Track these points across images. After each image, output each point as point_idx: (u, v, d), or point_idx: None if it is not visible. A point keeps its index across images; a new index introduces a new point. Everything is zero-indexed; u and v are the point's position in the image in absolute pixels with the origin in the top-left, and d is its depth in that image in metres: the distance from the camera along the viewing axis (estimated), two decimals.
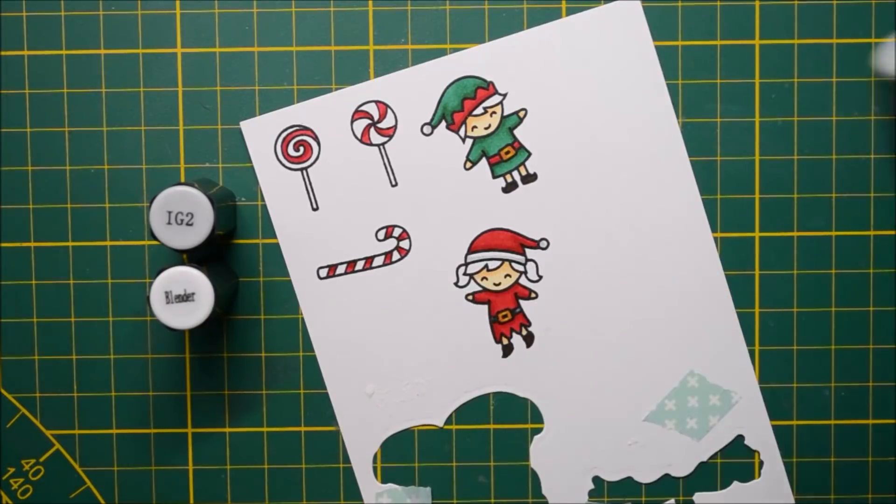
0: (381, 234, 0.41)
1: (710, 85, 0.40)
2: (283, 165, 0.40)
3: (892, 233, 0.41)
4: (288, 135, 0.40)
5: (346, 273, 0.41)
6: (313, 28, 0.40)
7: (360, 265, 0.41)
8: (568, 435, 0.41)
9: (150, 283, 0.36)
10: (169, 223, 0.36)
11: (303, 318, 0.41)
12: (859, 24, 0.40)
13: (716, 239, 0.41)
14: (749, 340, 0.41)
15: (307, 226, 0.41)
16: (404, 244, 0.41)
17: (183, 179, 0.40)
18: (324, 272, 0.41)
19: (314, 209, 0.40)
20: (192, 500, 0.41)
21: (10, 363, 0.41)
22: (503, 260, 0.41)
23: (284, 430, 0.41)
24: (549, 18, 0.40)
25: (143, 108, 0.41)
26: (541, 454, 0.41)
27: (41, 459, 0.41)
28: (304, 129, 0.40)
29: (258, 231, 0.41)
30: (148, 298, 0.36)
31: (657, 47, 0.40)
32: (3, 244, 0.41)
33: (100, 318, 0.41)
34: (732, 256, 0.41)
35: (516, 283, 0.41)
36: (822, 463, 0.41)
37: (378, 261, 0.41)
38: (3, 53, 0.40)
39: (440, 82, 0.41)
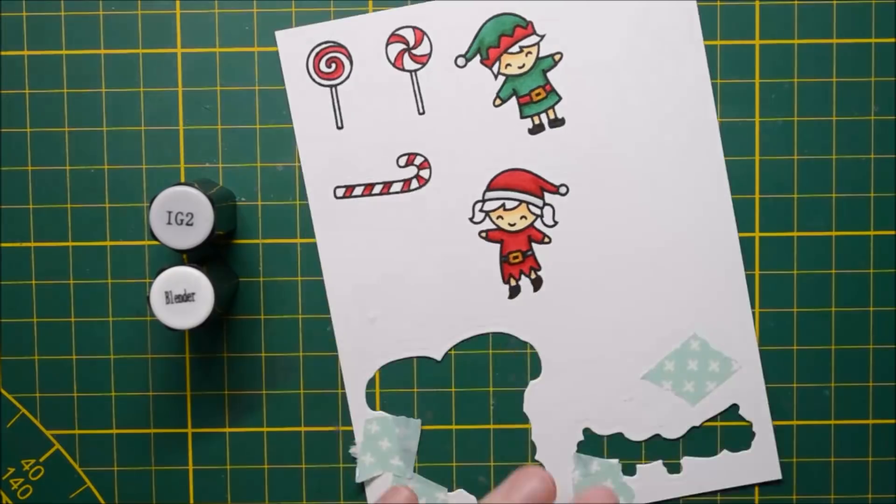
0: (403, 161, 0.40)
1: (711, 85, 0.40)
2: (313, 80, 0.40)
3: (892, 233, 0.41)
4: (322, 50, 0.40)
5: (362, 195, 0.40)
6: None
7: (377, 189, 0.40)
8: (564, 384, 0.41)
9: (150, 283, 0.36)
10: (169, 223, 0.36)
11: (303, 318, 0.41)
12: (859, 24, 0.40)
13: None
14: None
15: (329, 144, 0.40)
16: (424, 173, 0.40)
17: (183, 179, 0.40)
18: (340, 192, 0.40)
19: (339, 128, 0.40)
20: (192, 500, 0.41)
21: (10, 363, 0.41)
22: (521, 201, 0.40)
23: (284, 430, 0.41)
24: None
25: (143, 108, 0.41)
26: (534, 399, 0.41)
27: (41, 459, 0.41)
28: (338, 46, 0.40)
29: (258, 231, 0.41)
30: (148, 298, 0.36)
31: None
32: (3, 244, 0.41)
33: (100, 318, 0.41)
34: None
35: (531, 225, 0.41)
36: (823, 463, 0.41)
37: (396, 187, 0.40)
38: (3, 53, 0.40)
39: (479, 16, 0.40)
